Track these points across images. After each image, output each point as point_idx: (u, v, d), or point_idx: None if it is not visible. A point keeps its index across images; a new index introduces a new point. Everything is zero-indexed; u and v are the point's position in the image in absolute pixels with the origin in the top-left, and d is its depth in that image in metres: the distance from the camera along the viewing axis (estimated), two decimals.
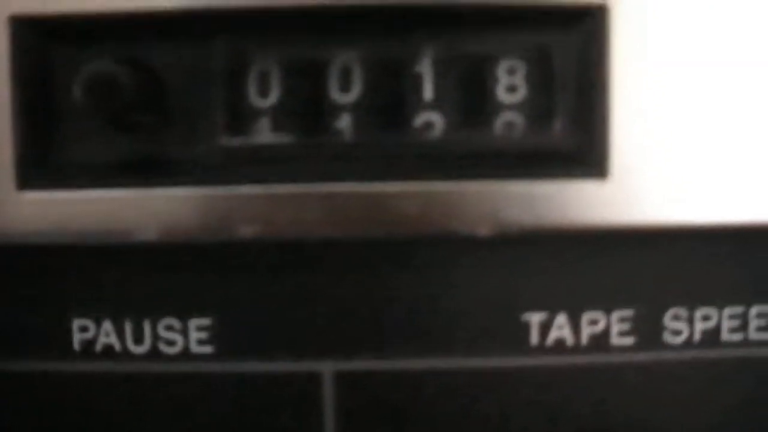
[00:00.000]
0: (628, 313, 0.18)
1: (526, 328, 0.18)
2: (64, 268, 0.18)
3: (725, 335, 0.18)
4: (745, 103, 0.16)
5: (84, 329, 0.18)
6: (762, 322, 0.18)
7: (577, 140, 0.17)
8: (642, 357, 0.18)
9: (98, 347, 0.18)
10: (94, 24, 0.17)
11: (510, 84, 0.17)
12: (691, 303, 0.18)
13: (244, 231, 0.17)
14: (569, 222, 0.17)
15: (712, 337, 0.18)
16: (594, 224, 0.17)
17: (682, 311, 0.18)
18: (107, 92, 0.16)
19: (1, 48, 0.17)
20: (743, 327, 0.18)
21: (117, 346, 0.18)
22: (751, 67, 0.16)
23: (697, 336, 0.18)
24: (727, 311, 0.18)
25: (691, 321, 0.18)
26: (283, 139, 0.17)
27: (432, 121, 0.17)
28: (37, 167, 0.17)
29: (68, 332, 0.18)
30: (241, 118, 0.17)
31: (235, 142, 0.17)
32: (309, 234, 0.17)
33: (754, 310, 0.18)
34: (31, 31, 0.17)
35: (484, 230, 0.17)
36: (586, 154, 0.17)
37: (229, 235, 0.17)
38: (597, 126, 0.17)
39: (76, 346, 0.18)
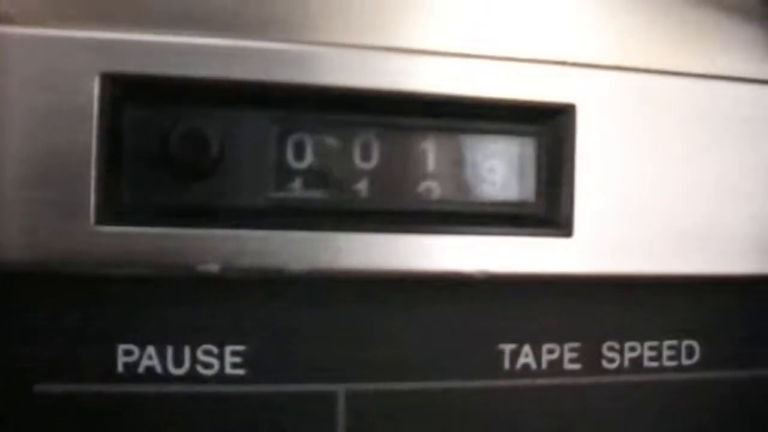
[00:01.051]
0: (575, 344, 0.23)
1: (500, 355, 0.22)
2: (112, 298, 0.20)
3: (646, 362, 0.23)
4: (677, 184, 0.22)
5: (128, 353, 0.20)
6: (672, 353, 0.23)
7: (548, 208, 0.22)
8: (586, 379, 0.23)
9: (140, 369, 0.21)
10: (176, 85, 0.20)
11: (491, 166, 0.22)
12: (621, 338, 0.23)
13: (290, 268, 0.20)
14: (541, 270, 0.21)
15: (636, 364, 0.23)
16: (561, 272, 0.21)
17: (615, 344, 0.23)
18: (186, 150, 0.19)
19: (90, 98, 0.19)
20: (659, 357, 0.23)
21: (158, 369, 0.21)
22: (677, 158, 0.22)
23: (626, 363, 0.23)
24: (647, 344, 0.23)
25: (621, 351, 0.23)
26: (314, 195, 0.21)
27: (432, 187, 0.22)
28: (114, 206, 0.19)
29: (113, 356, 0.20)
30: (282, 177, 0.21)
31: (277, 195, 0.21)
32: (336, 274, 0.21)
33: (665, 344, 0.23)
34: (116, 86, 0.19)
35: (476, 275, 0.21)
36: (555, 218, 0.22)
37: (274, 272, 0.20)
38: (564, 198, 0.22)
39: (120, 368, 0.20)
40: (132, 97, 0.20)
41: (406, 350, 0.22)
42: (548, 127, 0.22)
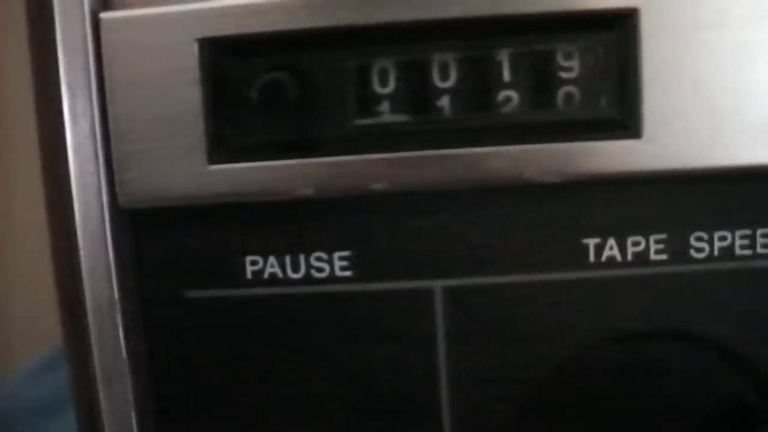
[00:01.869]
0: (662, 236, 0.24)
1: (585, 249, 0.24)
2: (240, 220, 0.24)
3: (738, 251, 0.24)
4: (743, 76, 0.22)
5: (254, 263, 0.25)
6: (766, 240, 0.24)
7: (619, 111, 0.23)
8: (674, 269, 0.24)
9: (265, 275, 0.25)
10: (260, 41, 0.23)
11: (568, 67, 0.23)
12: (710, 228, 0.24)
13: (374, 186, 0.23)
14: (614, 171, 0.23)
15: (727, 253, 0.24)
16: (631, 171, 0.23)
17: (704, 234, 0.24)
18: (276, 94, 0.22)
19: (192, 61, 0.23)
20: (752, 245, 0.24)
21: (279, 274, 0.25)
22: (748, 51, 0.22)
23: (716, 252, 0.24)
24: (738, 233, 0.24)
25: (711, 241, 0.24)
26: (400, 118, 0.23)
27: (510, 96, 0.23)
28: (222, 147, 0.23)
29: (243, 266, 0.25)
30: (368, 103, 0.23)
31: (365, 121, 0.23)
32: (421, 187, 0.23)
33: (759, 232, 0.24)
34: (212, 48, 0.23)
35: (552, 179, 0.23)
36: (625, 121, 0.23)
37: (363, 190, 0.23)
38: (633, 100, 0.22)
39: (249, 275, 0.25)
40: (226, 54, 0.23)
41: (497, 248, 0.24)
42: (613, 33, 0.22)
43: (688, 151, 0.23)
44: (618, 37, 0.22)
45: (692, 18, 0.22)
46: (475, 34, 0.23)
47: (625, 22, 0.22)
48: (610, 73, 0.23)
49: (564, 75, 0.23)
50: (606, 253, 0.24)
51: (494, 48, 0.23)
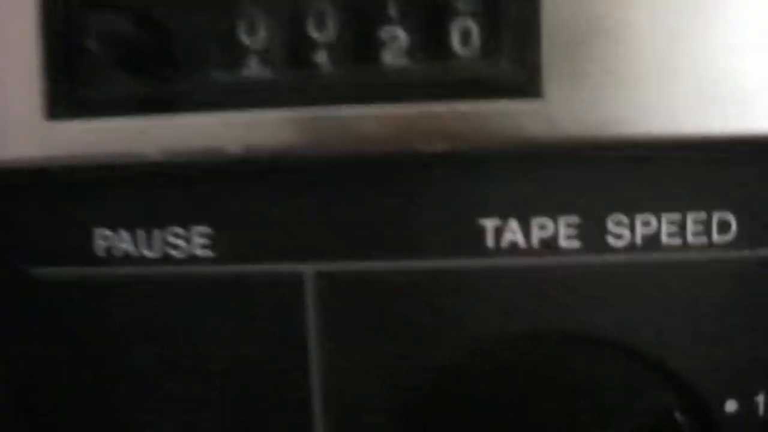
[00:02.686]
0: (573, 219, 0.20)
1: (482, 232, 0.20)
2: (86, 188, 0.21)
3: (664, 240, 0.20)
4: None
5: (104, 238, 0.21)
6: (698, 227, 0.20)
7: (517, 68, 0.19)
8: (587, 259, 0.20)
9: (117, 253, 0.21)
10: None
11: (451, 32, 0.19)
12: (631, 210, 0.20)
13: (229, 150, 0.20)
14: (510, 136, 0.19)
15: (652, 241, 0.20)
16: (531, 138, 0.19)
17: (623, 217, 0.20)
18: (114, 43, 0.19)
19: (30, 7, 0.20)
20: (681, 232, 0.20)
21: (133, 252, 0.21)
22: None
23: (638, 240, 0.20)
24: (665, 217, 0.20)
25: (632, 227, 0.20)
26: (266, 73, 0.20)
27: (394, 50, 0.20)
28: (62, 101, 0.20)
29: (91, 241, 0.21)
30: (233, 56, 0.20)
31: (225, 76, 0.20)
32: (289, 153, 0.20)
33: (690, 217, 0.20)
34: None
35: (440, 146, 0.19)
36: (524, 80, 0.19)
37: (216, 154, 0.20)
38: (529, 58, 0.19)
39: (99, 252, 0.22)
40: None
41: (378, 229, 0.21)
42: None
43: (600, 116, 0.19)
44: None
45: None
46: None
47: None
48: (507, 25, 0.19)
49: (452, 33, 0.19)
50: (506, 238, 0.20)
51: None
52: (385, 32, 0.20)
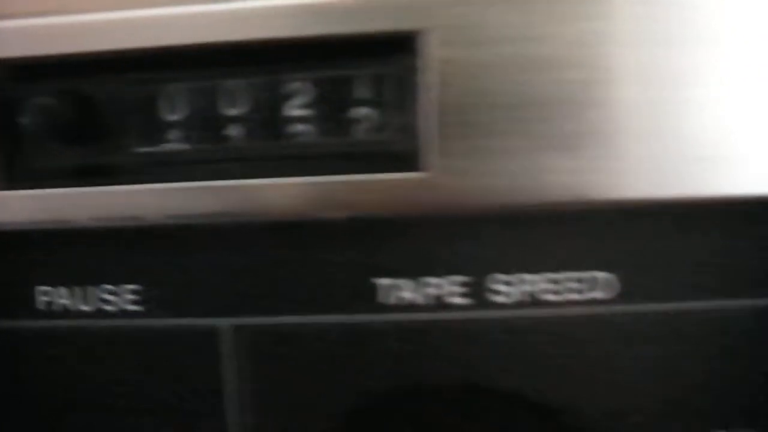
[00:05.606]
0: (458, 278, 0.22)
1: (374, 289, 0.23)
2: (30, 249, 0.24)
3: (543, 296, 0.22)
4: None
5: (45, 293, 0.24)
6: (577, 285, 0.22)
7: (403, 144, 0.21)
8: (473, 314, 0.22)
9: (56, 307, 0.24)
10: (42, 65, 0.22)
11: (357, 97, 0.22)
12: (511, 270, 0.22)
13: (147, 218, 0.22)
14: (398, 205, 0.21)
15: (531, 298, 0.22)
16: (418, 205, 0.21)
17: (503, 276, 0.22)
18: (46, 118, 0.22)
19: None
20: (559, 290, 0.22)
21: (70, 306, 0.24)
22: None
23: (518, 297, 0.22)
24: (543, 276, 0.22)
25: (512, 285, 0.22)
26: (187, 146, 0.23)
27: (299, 130, 0.22)
28: (2, 173, 0.23)
29: (33, 296, 0.24)
30: (154, 131, 0.23)
31: (146, 150, 0.23)
32: (205, 220, 0.22)
33: (566, 276, 0.22)
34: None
35: (337, 214, 0.22)
36: (410, 155, 0.21)
37: (136, 221, 0.22)
38: (412, 133, 0.21)
39: (40, 306, 0.24)
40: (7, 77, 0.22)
41: (285, 288, 0.23)
42: (391, 62, 0.21)
43: (478, 187, 0.21)
44: (399, 63, 0.21)
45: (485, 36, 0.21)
46: (265, 59, 0.22)
47: (404, 47, 0.21)
48: (395, 109, 0.21)
49: (352, 104, 0.22)
50: (397, 295, 0.23)
51: (283, 73, 0.22)
52: (292, 111, 0.22)
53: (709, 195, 0.20)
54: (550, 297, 0.22)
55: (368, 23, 0.21)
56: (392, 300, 0.23)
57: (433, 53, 0.21)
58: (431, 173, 0.21)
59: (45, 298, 0.24)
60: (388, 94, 0.22)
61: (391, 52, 0.21)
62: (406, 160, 0.21)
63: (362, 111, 0.22)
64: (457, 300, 0.22)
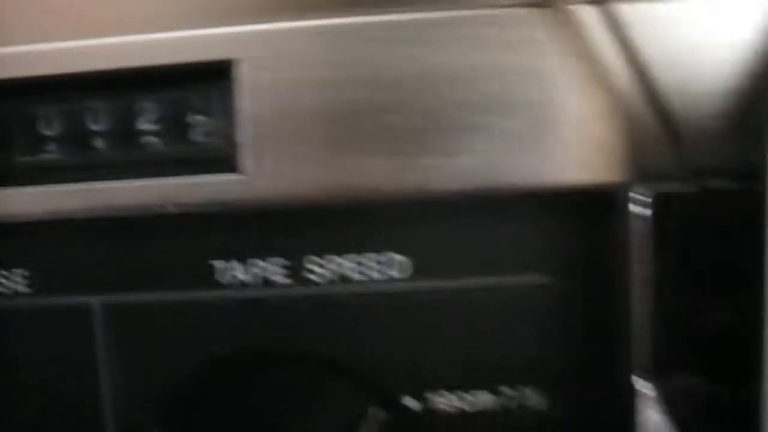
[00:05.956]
0: (279, 260, 0.27)
1: (211, 270, 0.28)
2: None
3: (350, 275, 0.27)
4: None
5: None
6: (378, 266, 0.27)
7: (224, 151, 0.26)
8: (294, 291, 0.27)
9: None
10: None
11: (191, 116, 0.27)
12: (321, 252, 0.27)
13: (37, 215, 0.27)
14: (218, 201, 0.26)
15: (341, 277, 0.27)
16: (235, 201, 0.26)
17: (317, 258, 0.27)
18: None
19: None
20: (363, 270, 0.27)
21: None
22: None
23: (329, 276, 0.27)
24: (348, 258, 0.27)
25: (323, 265, 0.27)
26: (58, 156, 0.28)
27: (149, 141, 0.27)
28: None
29: None
30: (34, 143, 0.28)
31: (27, 159, 0.28)
32: (78, 215, 0.27)
33: (367, 257, 0.27)
34: None
35: (172, 209, 0.27)
36: (227, 159, 0.26)
37: (22, 218, 0.27)
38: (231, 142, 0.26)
39: None
40: None
41: (143, 269, 0.28)
42: (216, 84, 0.26)
43: (287, 186, 0.26)
44: (221, 87, 0.26)
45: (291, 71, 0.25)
46: (121, 84, 0.27)
47: (224, 73, 0.26)
48: (220, 118, 0.26)
49: (188, 119, 0.27)
50: (231, 274, 0.27)
51: (135, 94, 0.27)
52: (143, 125, 0.27)
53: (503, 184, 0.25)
54: (356, 276, 0.27)
55: (197, 53, 0.26)
56: (227, 279, 0.27)
57: (247, 76, 0.26)
58: (247, 175, 0.26)
59: None
60: (215, 110, 0.26)
61: (216, 76, 0.26)
62: (229, 164, 0.26)
63: (197, 123, 0.27)
64: (280, 279, 0.27)
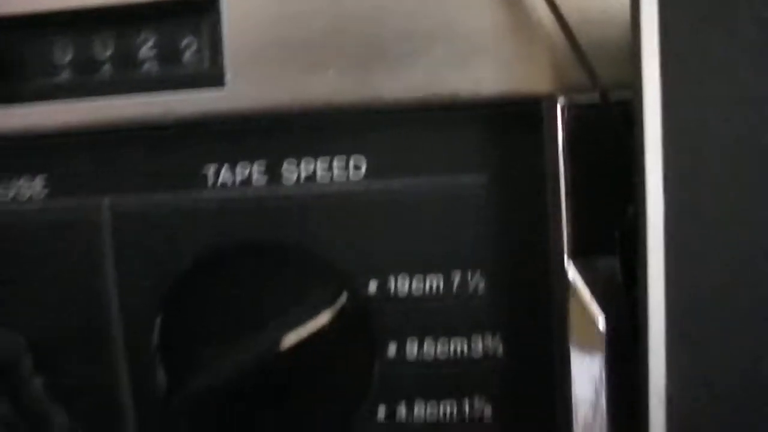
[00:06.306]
0: (261, 162, 0.32)
1: (206, 173, 0.33)
2: None
3: (320, 175, 0.32)
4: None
5: None
6: (341, 168, 0.32)
7: (209, 67, 0.31)
8: (272, 190, 0.32)
9: None
10: None
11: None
12: (298, 155, 0.32)
13: (52, 126, 0.32)
14: (203, 113, 0.31)
15: (312, 177, 0.32)
16: (219, 113, 0.31)
17: (294, 160, 0.32)
18: None
19: None
20: (330, 171, 0.32)
21: None
22: None
23: (303, 177, 0.32)
24: (319, 159, 0.32)
25: (299, 167, 0.32)
26: (75, 78, 0.33)
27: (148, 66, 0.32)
28: None
29: None
30: (50, 68, 0.33)
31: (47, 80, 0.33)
32: (89, 127, 0.32)
33: (334, 160, 0.32)
34: None
35: (170, 121, 0.32)
36: (212, 74, 0.31)
37: (51, 130, 0.32)
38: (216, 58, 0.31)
39: None
40: None
41: (146, 171, 0.33)
42: (206, 15, 0.31)
43: (259, 97, 0.31)
44: (211, 15, 0.31)
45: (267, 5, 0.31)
46: (123, 18, 0.32)
47: (212, 5, 0.31)
48: (209, 43, 0.31)
49: (181, 43, 0.32)
50: (221, 178, 0.32)
51: (135, 26, 0.32)
52: (143, 52, 0.32)
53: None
54: (324, 174, 0.32)
55: None
56: (217, 181, 0.32)
57: (231, 6, 0.31)
58: (229, 90, 0.31)
59: None
60: (203, 37, 0.32)
61: (207, 8, 0.31)
62: (215, 80, 0.31)
63: (188, 48, 0.32)
64: (259, 178, 0.32)
